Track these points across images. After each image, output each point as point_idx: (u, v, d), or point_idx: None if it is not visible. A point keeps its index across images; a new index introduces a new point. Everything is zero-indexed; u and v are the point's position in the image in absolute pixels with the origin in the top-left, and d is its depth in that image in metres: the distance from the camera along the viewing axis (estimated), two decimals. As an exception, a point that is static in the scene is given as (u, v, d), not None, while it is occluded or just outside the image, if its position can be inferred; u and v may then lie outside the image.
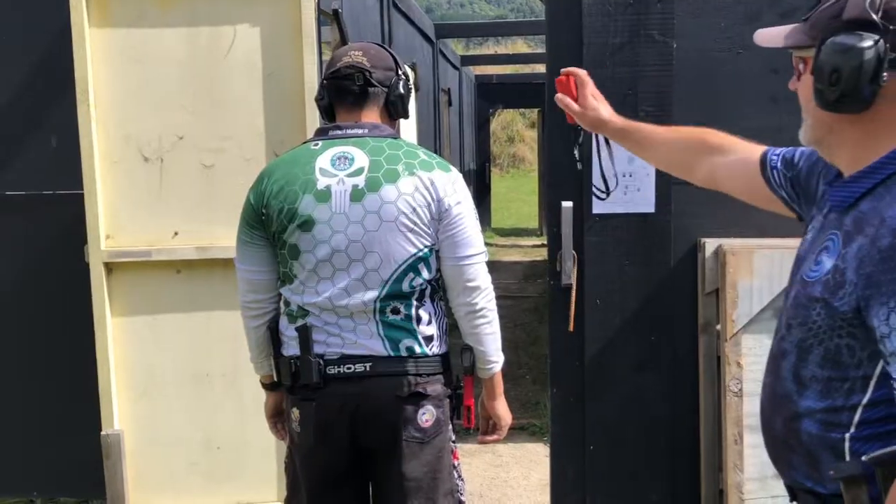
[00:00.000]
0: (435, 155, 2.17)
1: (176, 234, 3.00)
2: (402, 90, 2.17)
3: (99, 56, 2.94)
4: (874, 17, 1.22)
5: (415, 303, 2.06)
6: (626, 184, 2.94)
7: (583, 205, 2.96)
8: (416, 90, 6.75)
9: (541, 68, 15.18)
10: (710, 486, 2.90)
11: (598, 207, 2.95)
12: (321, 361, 2.03)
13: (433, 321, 2.10)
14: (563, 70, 2.01)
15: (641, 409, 3.01)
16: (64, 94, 3.10)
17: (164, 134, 2.98)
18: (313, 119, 2.97)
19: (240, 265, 2.17)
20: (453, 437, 2.18)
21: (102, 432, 2.99)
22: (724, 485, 2.78)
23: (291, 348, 2.09)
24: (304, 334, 2.04)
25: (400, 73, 2.18)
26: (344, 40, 4.22)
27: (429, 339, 2.08)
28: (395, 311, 2.05)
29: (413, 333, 2.06)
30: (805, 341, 1.32)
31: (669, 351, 2.98)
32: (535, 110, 18.04)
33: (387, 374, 2.03)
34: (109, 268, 3.00)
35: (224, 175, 2.99)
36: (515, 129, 24.87)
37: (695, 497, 2.96)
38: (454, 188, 2.07)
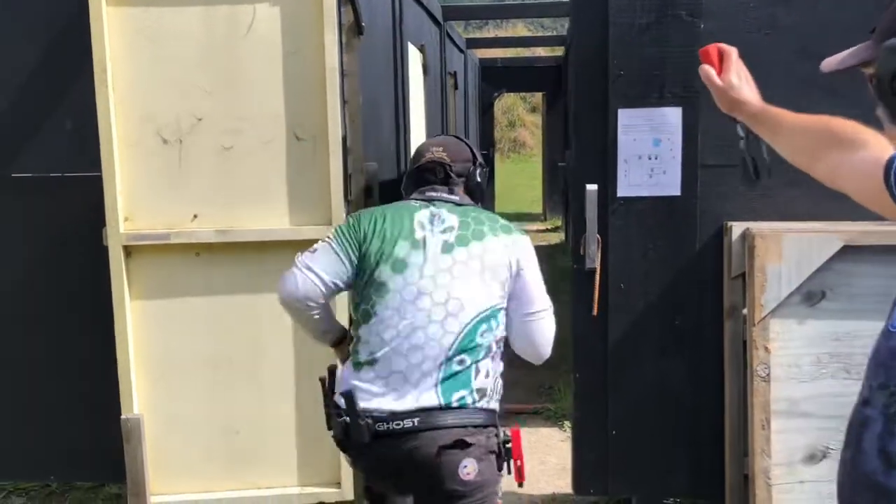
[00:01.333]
0: (508, 222, 2.34)
1: (195, 216, 2.96)
2: (479, 178, 2.39)
3: (116, 36, 2.89)
4: None
5: (480, 355, 2.14)
6: (651, 166, 2.91)
7: (607, 188, 2.93)
8: (426, 74, 6.69)
9: (542, 52, 15.11)
10: (736, 471, 2.88)
11: (623, 190, 2.92)
12: (370, 420, 2.09)
13: (490, 377, 2.17)
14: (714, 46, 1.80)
15: (665, 393, 2.99)
16: (80, 76, 3.05)
17: (183, 115, 2.93)
18: (334, 101, 2.93)
19: (311, 266, 2.21)
20: (499, 494, 2.19)
21: (122, 416, 2.97)
22: (751, 470, 2.76)
23: (339, 399, 2.16)
24: (350, 401, 2.11)
25: (477, 162, 2.39)
26: (358, 22, 4.17)
27: (481, 392, 2.14)
28: (461, 363, 2.13)
29: (468, 385, 2.13)
30: (890, 407, 1.10)
31: (694, 335, 2.96)
32: (538, 94, 17.97)
33: (434, 428, 2.08)
34: (128, 251, 2.96)
35: (243, 157, 2.95)
36: (516, 114, 24.74)
37: (719, 482, 2.95)
38: (528, 252, 2.26)
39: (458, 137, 2.51)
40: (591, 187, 2.91)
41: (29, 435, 3.31)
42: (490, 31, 25.90)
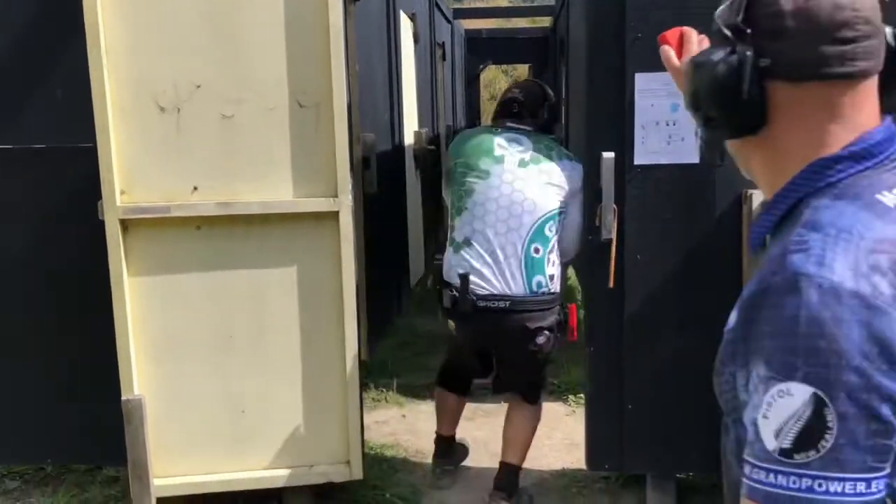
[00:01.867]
0: (570, 153, 3.18)
1: (195, 188, 2.84)
2: (545, 115, 3.22)
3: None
4: (736, 20, 1.04)
5: (549, 246, 2.98)
6: (669, 133, 2.81)
7: (624, 156, 2.83)
8: (416, 42, 6.54)
9: (522, 23, 14.91)
10: (756, 444, 2.82)
11: (640, 158, 2.82)
12: (475, 296, 2.96)
13: (556, 264, 3.03)
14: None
15: (682, 366, 2.92)
16: (71, 43, 2.90)
17: (181, 82, 2.79)
18: (338, 64, 2.80)
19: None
20: (552, 341, 3.07)
21: (123, 398, 2.85)
22: (773, 443, 2.70)
23: (454, 278, 3.01)
24: (464, 281, 2.96)
25: (546, 103, 3.24)
26: (354, -13, 4.04)
27: (552, 277, 3.00)
28: (536, 251, 2.96)
29: (543, 271, 2.98)
30: (728, 416, 1.04)
31: (712, 307, 2.87)
32: (520, 67, 17.78)
33: (519, 311, 2.95)
34: (125, 225, 2.83)
35: (245, 126, 2.82)
36: (498, 87, 24.55)
37: (737, 456, 2.89)
38: (581, 176, 3.03)
39: (535, 81, 3.45)
40: (608, 155, 2.82)
41: (24, 417, 3.19)
42: (469, 3, 25.63)
